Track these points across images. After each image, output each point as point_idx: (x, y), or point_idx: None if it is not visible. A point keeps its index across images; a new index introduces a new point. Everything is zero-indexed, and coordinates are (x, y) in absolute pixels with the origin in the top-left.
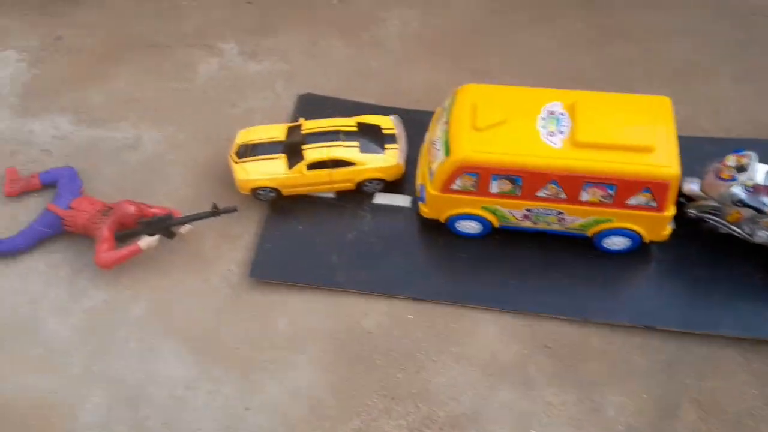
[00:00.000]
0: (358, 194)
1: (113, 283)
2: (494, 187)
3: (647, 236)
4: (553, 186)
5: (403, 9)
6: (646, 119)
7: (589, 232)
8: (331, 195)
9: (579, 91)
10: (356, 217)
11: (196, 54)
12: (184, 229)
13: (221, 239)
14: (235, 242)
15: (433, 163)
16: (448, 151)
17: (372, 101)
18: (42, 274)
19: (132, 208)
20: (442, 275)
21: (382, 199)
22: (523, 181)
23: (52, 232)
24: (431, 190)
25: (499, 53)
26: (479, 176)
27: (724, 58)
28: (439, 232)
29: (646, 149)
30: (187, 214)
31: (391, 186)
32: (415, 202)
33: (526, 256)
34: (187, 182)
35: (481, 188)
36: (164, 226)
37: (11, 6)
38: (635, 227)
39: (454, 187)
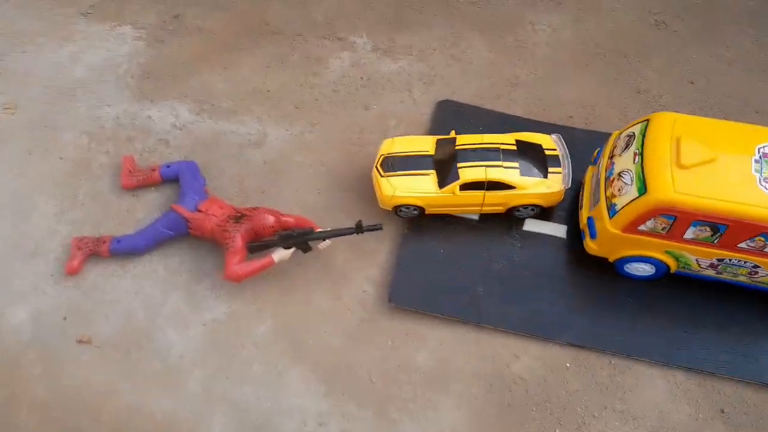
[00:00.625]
0: (506, 218)
1: (236, 295)
2: (690, 233)
3: None
4: (762, 239)
5: (552, 14)
6: None
7: None
8: (474, 217)
9: None
10: (504, 245)
11: (326, 46)
12: (324, 244)
13: (353, 254)
14: (368, 259)
15: (618, 197)
16: (643, 188)
17: (518, 113)
18: (160, 280)
19: (271, 219)
20: (605, 321)
21: (533, 226)
22: (727, 230)
23: (174, 235)
24: (610, 228)
25: (662, 71)
26: (676, 220)
27: None
28: (601, 269)
29: None
30: (326, 228)
31: (544, 212)
32: (571, 232)
33: (701, 306)
34: (316, 188)
35: (673, 232)
36: (303, 240)
37: None
38: None
39: (642, 228)
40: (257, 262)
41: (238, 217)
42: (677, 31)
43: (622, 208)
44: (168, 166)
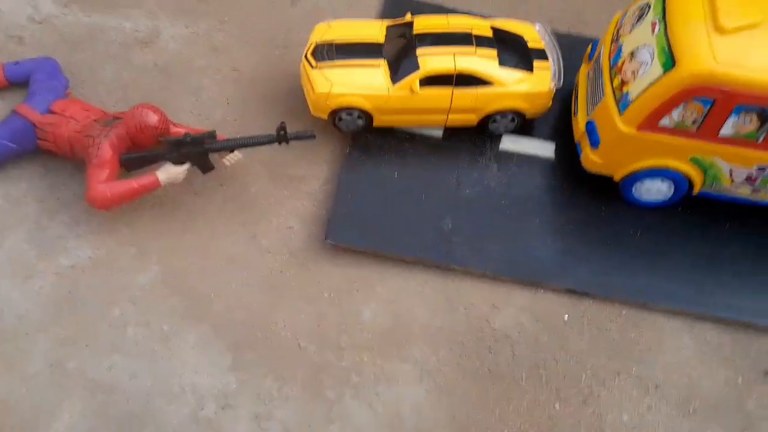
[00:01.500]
0: (477, 134)
1: (107, 233)
2: (730, 125)
3: None
4: None
5: None
6: None
7: None
8: (437, 133)
9: None
10: (476, 167)
11: None
12: (231, 157)
13: (274, 180)
14: (296, 187)
15: (631, 83)
16: (670, 62)
17: (488, 11)
18: None
19: (154, 118)
20: (609, 261)
21: (513, 144)
22: None
23: (17, 149)
24: (621, 126)
25: None
26: (715, 104)
27: None
28: (598, 196)
29: None
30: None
31: (526, 126)
32: (560, 150)
33: (728, 239)
34: (225, 98)
35: (707, 126)
36: (201, 150)
37: None
38: None
39: (664, 122)
40: (134, 181)
41: (109, 120)
42: None
43: (640, 94)
44: (16, 64)
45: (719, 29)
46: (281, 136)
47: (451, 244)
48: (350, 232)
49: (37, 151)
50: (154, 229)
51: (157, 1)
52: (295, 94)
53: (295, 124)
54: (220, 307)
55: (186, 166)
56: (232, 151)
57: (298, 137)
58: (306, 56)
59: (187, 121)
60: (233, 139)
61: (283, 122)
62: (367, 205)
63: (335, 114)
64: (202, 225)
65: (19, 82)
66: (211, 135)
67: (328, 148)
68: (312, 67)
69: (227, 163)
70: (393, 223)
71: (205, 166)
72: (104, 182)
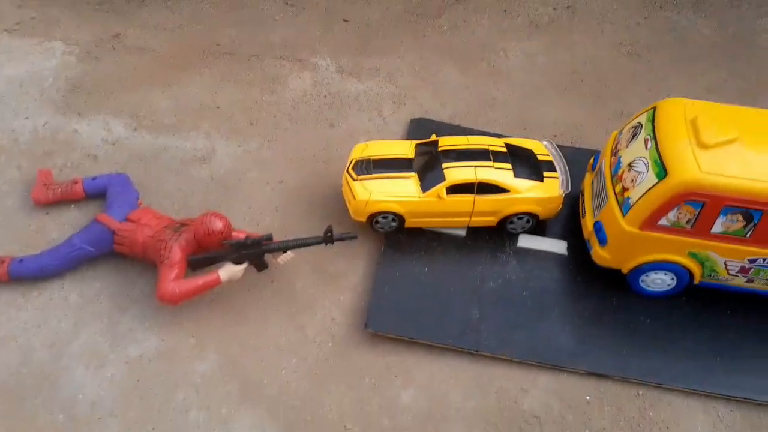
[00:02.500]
0: (497, 233)
1: (170, 326)
2: (719, 224)
3: None
4: None
5: (523, 42)
6: None
7: None
8: (461, 232)
9: None
10: (497, 262)
11: (285, 66)
12: (284, 257)
13: (318, 276)
14: (337, 282)
15: (631, 189)
16: (663, 172)
17: (499, 132)
18: (72, 309)
19: (219, 224)
20: (623, 345)
21: (529, 242)
22: (762, 216)
23: (95, 253)
24: (625, 226)
25: (641, 95)
26: (705, 207)
27: None
28: (608, 287)
29: None
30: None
31: (539, 228)
32: (573, 248)
33: (732, 324)
34: (273, 207)
35: (699, 225)
36: (259, 252)
37: None
38: None
39: (663, 222)
40: (200, 279)
41: (178, 227)
42: (650, 61)
43: (639, 198)
44: (94, 179)
45: (701, 145)
46: (328, 238)
47: (480, 333)
48: (388, 321)
49: (113, 254)
50: (212, 321)
51: (214, 124)
52: (334, 202)
53: (336, 227)
54: (273, 391)
55: (244, 265)
56: (284, 251)
57: (342, 238)
58: (348, 170)
59: (241, 226)
60: (286, 240)
61: (329, 226)
62: (402, 297)
63: (372, 218)
64: (254, 317)
65: (95, 194)
66: (268, 237)
67: (365, 247)
68: (353, 179)
69: (281, 261)
70: (426, 313)
71: (261, 265)
72: (174, 281)
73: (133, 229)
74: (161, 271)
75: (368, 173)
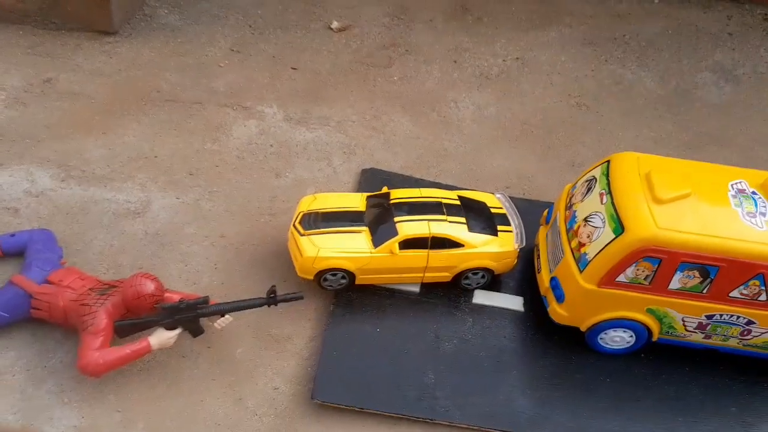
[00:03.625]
0: (452, 289)
1: (93, 400)
2: (677, 280)
3: None
4: (757, 283)
5: (474, 93)
6: None
7: None
8: (415, 289)
9: (764, 171)
10: (453, 320)
11: (229, 114)
12: (222, 321)
13: (259, 341)
14: (280, 347)
15: (588, 245)
16: (620, 228)
17: (451, 183)
18: None
19: (151, 286)
20: (583, 407)
21: (485, 298)
22: (719, 273)
23: (10, 319)
24: (583, 283)
25: (591, 146)
26: (662, 263)
27: None
28: (567, 344)
29: None
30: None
31: (495, 283)
32: (529, 304)
33: (694, 381)
34: (212, 264)
35: (657, 282)
36: (195, 315)
37: None
38: None
39: (621, 279)
40: (127, 347)
41: (104, 289)
42: (599, 112)
43: (597, 255)
44: (12, 236)
45: (657, 200)
46: (271, 299)
47: (436, 400)
48: (336, 389)
49: (30, 320)
50: (141, 394)
51: (150, 175)
52: (280, 258)
53: (281, 285)
54: None
55: (178, 331)
56: (223, 315)
57: (287, 299)
58: (294, 224)
59: (176, 286)
60: (225, 303)
61: (273, 286)
62: (352, 361)
63: (321, 275)
64: (188, 388)
65: (14, 253)
66: (205, 300)
67: (312, 307)
68: (300, 234)
69: (218, 326)
70: (378, 379)
71: (196, 330)
72: (97, 349)
73: (54, 293)
74: (84, 338)
75: (316, 227)
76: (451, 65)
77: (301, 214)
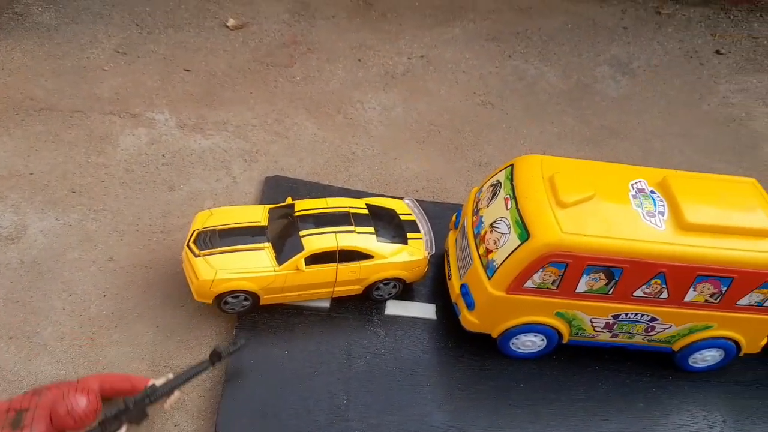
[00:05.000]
0: (363, 302)
1: None
2: (583, 283)
3: (746, 347)
4: (658, 281)
5: (380, 94)
6: (743, 200)
7: (676, 346)
8: (325, 304)
9: (661, 169)
10: (365, 335)
11: (116, 123)
12: (171, 400)
13: (157, 374)
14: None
15: (495, 251)
16: (525, 234)
17: (360, 188)
18: None
19: (84, 402)
20: (498, 414)
21: (397, 309)
22: (623, 274)
23: None
24: (492, 290)
25: (498, 145)
26: (568, 268)
27: None
28: (480, 351)
29: (765, 234)
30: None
31: (406, 291)
32: (441, 310)
33: (600, 381)
34: (100, 291)
35: (564, 286)
36: (143, 408)
37: None
38: (737, 336)
39: (529, 284)
40: None
41: (18, 413)
42: (504, 110)
43: (504, 261)
44: None
45: (560, 204)
46: (216, 359)
47: (347, 422)
48: (242, 421)
49: None
50: None
51: (25, 195)
52: (175, 280)
53: (177, 310)
54: None
55: (124, 429)
56: (170, 394)
57: (233, 352)
58: (188, 244)
59: (59, 319)
60: (170, 381)
61: (217, 345)
62: (259, 389)
63: (221, 298)
64: None
65: None
66: (152, 388)
67: (213, 332)
68: (195, 255)
69: (168, 407)
70: (287, 405)
71: (141, 418)
72: None
73: None
74: None
75: (213, 246)
76: (356, 64)
77: (196, 232)
